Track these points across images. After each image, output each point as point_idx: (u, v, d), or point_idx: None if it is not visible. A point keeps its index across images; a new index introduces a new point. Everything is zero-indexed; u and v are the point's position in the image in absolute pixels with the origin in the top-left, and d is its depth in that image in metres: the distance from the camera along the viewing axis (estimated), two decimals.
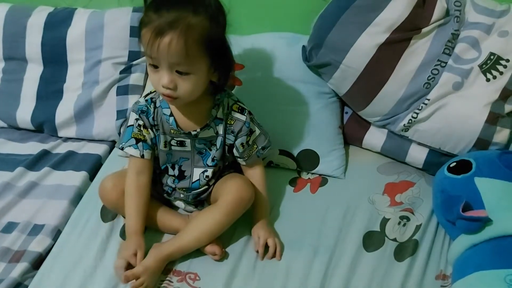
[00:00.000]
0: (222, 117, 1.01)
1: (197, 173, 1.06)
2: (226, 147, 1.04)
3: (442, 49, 1.11)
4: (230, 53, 0.95)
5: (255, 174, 1.08)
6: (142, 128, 1.00)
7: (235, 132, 1.01)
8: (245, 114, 1.01)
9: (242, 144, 1.02)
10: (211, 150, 1.03)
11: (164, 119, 0.99)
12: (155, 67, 0.88)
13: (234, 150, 1.04)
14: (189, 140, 1.01)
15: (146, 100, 1.01)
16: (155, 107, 1.00)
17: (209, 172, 1.05)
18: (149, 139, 1.01)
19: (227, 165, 1.10)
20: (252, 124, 1.02)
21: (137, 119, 1.00)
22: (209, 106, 0.99)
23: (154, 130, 1.01)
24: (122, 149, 1.01)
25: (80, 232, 1.07)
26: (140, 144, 1.00)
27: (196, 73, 0.88)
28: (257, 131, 1.04)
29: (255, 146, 1.04)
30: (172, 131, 1.00)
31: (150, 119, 0.99)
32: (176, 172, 1.06)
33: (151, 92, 1.03)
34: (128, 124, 1.01)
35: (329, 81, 1.22)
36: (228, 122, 1.01)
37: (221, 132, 1.01)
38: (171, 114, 0.98)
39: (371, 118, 1.22)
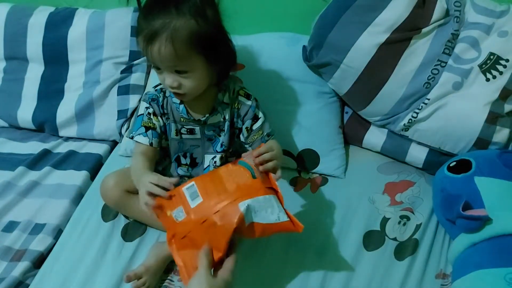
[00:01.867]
0: (228, 102, 1.02)
1: (207, 160, 1.06)
2: (236, 131, 1.05)
3: (442, 49, 1.11)
4: (228, 42, 0.95)
5: (268, 142, 1.01)
6: (152, 116, 1.01)
7: (241, 116, 1.02)
8: (251, 99, 1.03)
9: (247, 128, 1.03)
10: (220, 136, 1.04)
11: (174, 107, 1.01)
12: (158, 68, 0.91)
13: (241, 135, 1.05)
14: (198, 127, 1.02)
15: (156, 90, 1.03)
16: (164, 96, 1.01)
17: (217, 158, 1.05)
18: (158, 127, 1.01)
19: (232, 153, 1.10)
20: (257, 110, 1.03)
21: (147, 108, 1.01)
22: (216, 92, 1.01)
23: (163, 118, 1.02)
24: (132, 138, 1.01)
25: (81, 231, 1.08)
26: (149, 132, 1.00)
27: (195, 70, 0.90)
28: (262, 118, 1.04)
29: (261, 132, 1.03)
30: (182, 119, 1.01)
31: (160, 107, 1.01)
32: (188, 160, 1.07)
33: (159, 84, 1.04)
34: (139, 114, 1.02)
35: (330, 81, 1.22)
36: (235, 106, 1.02)
37: (227, 117, 1.02)
38: (181, 102, 1.00)
39: (371, 118, 1.23)
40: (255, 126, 1.02)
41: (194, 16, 0.86)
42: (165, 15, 0.85)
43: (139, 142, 0.99)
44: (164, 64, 0.88)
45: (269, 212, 0.82)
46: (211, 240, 0.81)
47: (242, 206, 0.81)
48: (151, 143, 0.99)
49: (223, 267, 0.82)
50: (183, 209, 0.83)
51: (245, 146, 1.06)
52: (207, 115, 1.00)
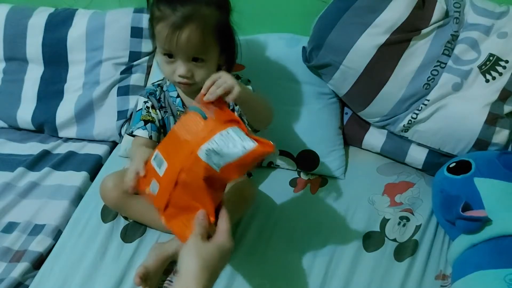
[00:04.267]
0: None
1: None
2: None
3: (442, 50, 1.11)
4: (235, 36, 0.97)
5: None
6: (150, 109, 1.02)
7: None
8: (241, 78, 1.04)
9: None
10: None
11: (171, 101, 1.02)
12: (169, 57, 0.90)
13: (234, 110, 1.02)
14: None
15: (153, 85, 1.05)
16: (161, 91, 1.03)
17: None
18: (157, 120, 1.02)
19: None
20: (246, 84, 1.02)
21: (145, 102, 1.02)
22: None
23: (162, 111, 1.03)
24: (131, 133, 1.02)
25: (81, 232, 1.07)
26: (148, 125, 1.01)
27: (210, 60, 0.92)
28: (250, 88, 1.02)
29: None
30: (179, 112, 1.02)
31: (157, 100, 1.02)
32: None
33: (157, 80, 1.07)
34: (137, 109, 1.03)
35: (329, 82, 1.22)
36: None
37: None
38: (178, 96, 1.01)
39: (371, 119, 1.23)
40: None
41: (218, 6, 0.89)
42: (193, 2, 0.86)
43: (138, 136, 0.99)
44: (186, 52, 0.88)
45: (231, 146, 0.73)
46: (194, 199, 0.77)
47: (201, 154, 0.73)
48: (151, 136, 1.00)
49: (217, 230, 0.77)
50: (156, 181, 0.80)
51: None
52: None
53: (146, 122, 1.01)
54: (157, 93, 1.03)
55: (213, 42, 0.90)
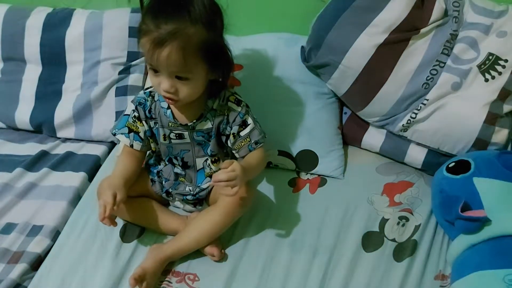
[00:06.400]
0: (217, 109, 1.01)
1: (200, 162, 1.07)
2: (224, 138, 1.04)
3: (441, 50, 1.11)
4: (228, 53, 0.95)
5: (251, 154, 1.03)
6: (136, 120, 1.02)
7: (230, 122, 1.01)
8: (241, 105, 1.02)
9: (233, 134, 1.02)
10: (209, 141, 1.04)
11: (162, 112, 1.01)
12: (155, 71, 0.90)
13: (228, 141, 1.03)
14: (187, 132, 1.02)
15: (145, 93, 1.04)
16: (153, 100, 1.02)
17: (209, 160, 1.06)
18: (142, 132, 1.03)
19: (226, 153, 1.09)
20: (246, 116, 1.02)
21: (133, 110, 1.02)
22: (205, 99, 1.00)
23: (149, 122, 1.02)
24: (114, 135, 1.04)
25: (79, 233, 1.07)
26: (131, 134, 1.02)
27: (195, 78, 0.90)
28: (252, 125, 1.02)
29: (248, 139, 1.02)
30: (170, 123, 1.01)
31: (147, 111, 1.02)
32: (180, 162, 1.07)
33: (151, 86, 1.05)
34: (125, 113, 1.04)
35: (328, 82, 1.22)
36: (224, 112, 1.01)
37: (217, 123, 1.01)
38: (169, 107, 1.00)
39: (370, 119, 1.22)
40: (242, 133, 1.01)
41: (205, 25, 0.86)
42: (178, 20, 0.84)
43: (120, 140, 1.03)
44: (167, 70, 0.87)
45: None
46: None
47: None
48: (132, 144, 1.02)
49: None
50: None
51: (233, 152, 1.05)
52: (194, 121, 1.00)
53: (130, 130, 1.02)
54: (148, 103, 1.01)
55: (198, 61, 0.88)
